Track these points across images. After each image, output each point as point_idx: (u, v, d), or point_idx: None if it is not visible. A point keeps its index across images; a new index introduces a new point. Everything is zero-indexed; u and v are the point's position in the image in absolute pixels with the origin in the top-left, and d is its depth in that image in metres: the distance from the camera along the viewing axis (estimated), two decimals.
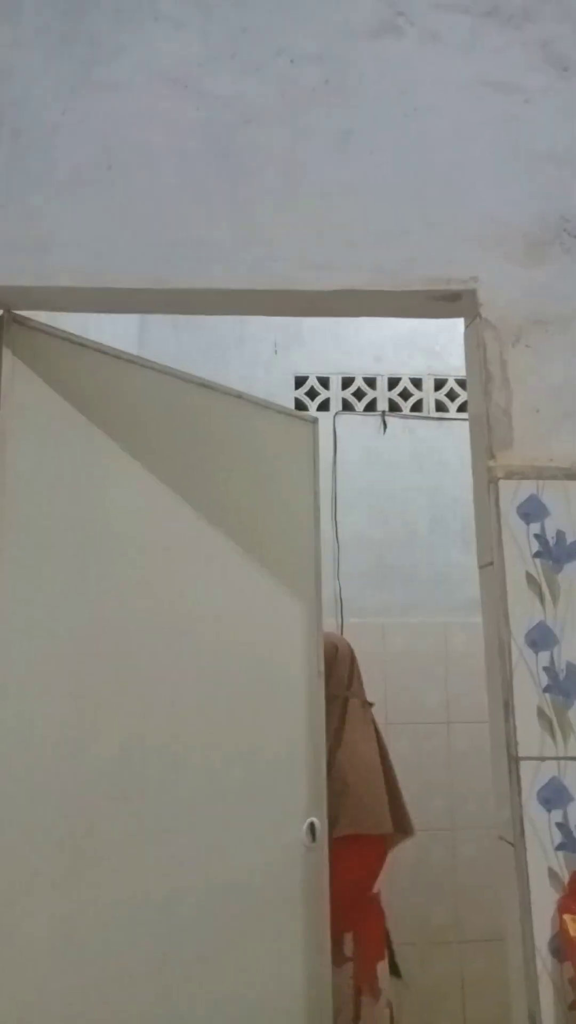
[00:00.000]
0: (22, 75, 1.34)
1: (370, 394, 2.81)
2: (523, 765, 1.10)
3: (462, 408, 2.76)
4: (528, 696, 1.12)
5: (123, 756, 1.39)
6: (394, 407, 2.80)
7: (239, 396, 1.77)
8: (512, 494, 1.19)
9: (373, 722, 2.13)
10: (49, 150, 1.31)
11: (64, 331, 1.44)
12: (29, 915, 1.23)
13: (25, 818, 1.24)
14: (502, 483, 1.19)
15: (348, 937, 1.91)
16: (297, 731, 1.72)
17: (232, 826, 1.54)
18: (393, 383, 2.82)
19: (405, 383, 2.82)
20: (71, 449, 1.41)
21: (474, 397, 1.30)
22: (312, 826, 1.67)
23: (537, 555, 1.17)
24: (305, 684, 1.77)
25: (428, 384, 2.83)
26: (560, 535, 1.18)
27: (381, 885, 2.02)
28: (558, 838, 1.07)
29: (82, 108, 1.33)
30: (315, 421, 1.98)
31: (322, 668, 1.81)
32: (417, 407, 2.81)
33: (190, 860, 1.46)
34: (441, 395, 2.82)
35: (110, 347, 1.53)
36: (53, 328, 1.42)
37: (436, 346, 2.84)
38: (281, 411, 1.93)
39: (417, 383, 2.83)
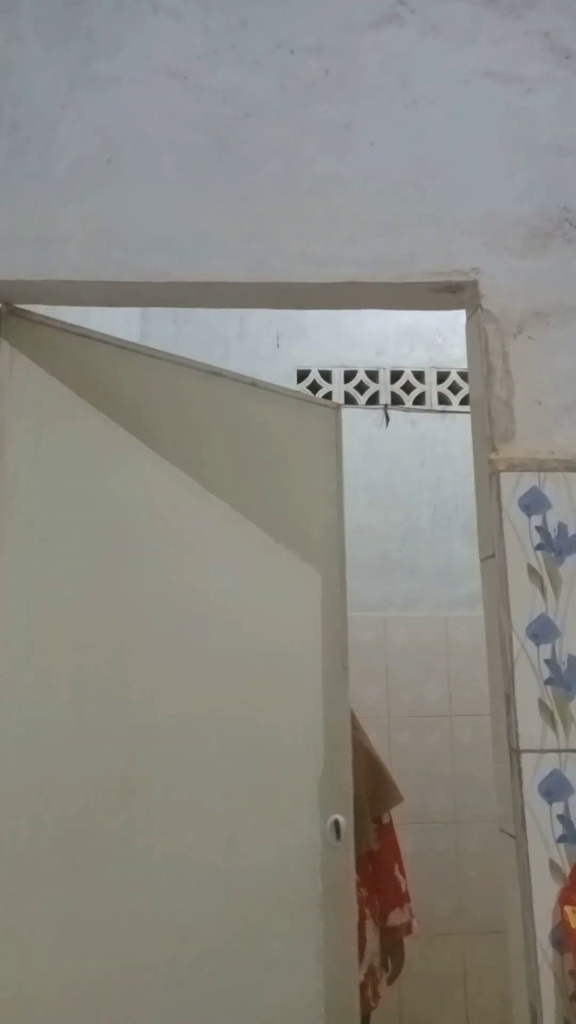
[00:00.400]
0: (21, 69, 1.33)
1: (372, 387, 2.80)
2: (524, 757, 1.10)
3: (465, 401, 2.76)
4: (529, 688, 1.12)
5: (128, 748, 1.38)
6: (396, 400, 2.79)
7: (253, 384, 1.74)
8: (513, 487, 1.18)
9: None
10: (48, 144, 1.31)
11: (64, 323, 1.44)
12: (30, 909, 1.23)
13: (25, 810, 1.24)
14: (503, 475, 1.19)
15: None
16: (318, 726, 1.67)
17: (245, 822, 1.51)
18: (395, 376, 2.82)
19: (407, 376, 2.82)
20: (74, 440, 1.41)
21: (475, 389, 1.30)
22: (336, 824, 1.61)
23: (539, 547, 1.17)
24: (325, 677, 1.70)
25: (431, 377, 2.82)
26: (561, 527, 1.17)
27: None
28: (559, 830, 1.08)
29: (81, 102, 1.33)
30: (338, 408, 1.92)
31: (347, 663, 1.76)
32: (420, 400, 2.80)
33: (200, 856, 1.43)
34: (444, 388, 2.82)
35: (113, 337, 1.52)
36: (53, 320, 1.42)
37: (438, 339, 2.83)
38: (301, 398, 1.89)
39: (419, 376, 2.82)
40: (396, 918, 1.93)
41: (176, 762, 1.44)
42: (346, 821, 1.63)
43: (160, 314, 2.73)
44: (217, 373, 1.68)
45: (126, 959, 1.33)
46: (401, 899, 1.96)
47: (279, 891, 1.54)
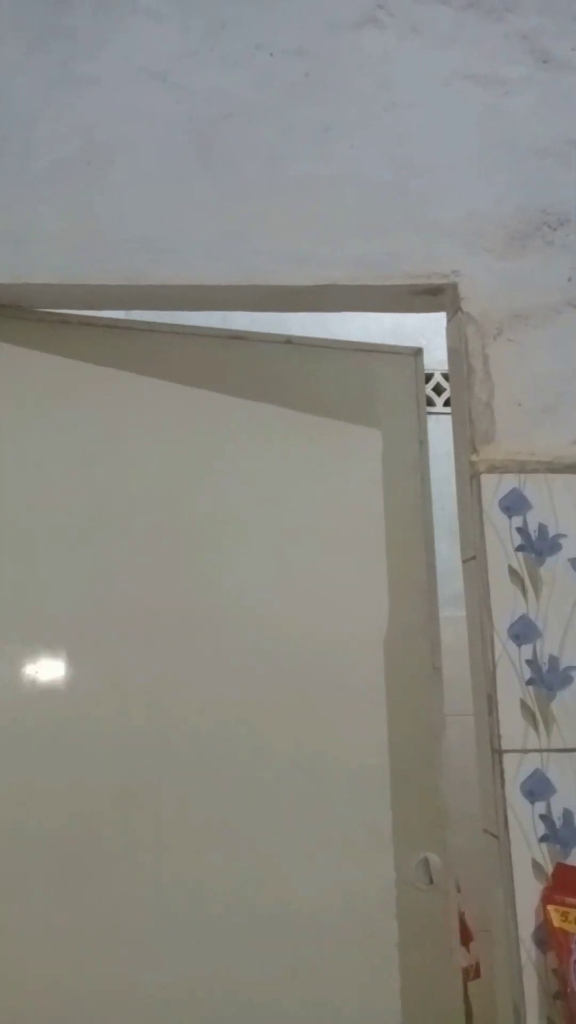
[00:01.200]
0: (0, 68, 1.33)
1: None
2: (506, 758, 1.10)
3: (448, 403, 2.76)
4: (511, 689, 1.12)
5: (127, 756, 1.28)
6: None
7: (287, 341, 1.53)
8: (494, 488, 1.19)
9: None
10: (28, 144, 1.30)
11: (44, 311, 1.38)
12: (12, 923, 1.18)
13: (11, 815, 1.21)
14: (484, 477, 1.19)
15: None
16: (396, 742, 1.38)
17: (289, 848, 1.30)
18: None
19: None
20: (64, 431, 1.36)
21: (456, 391, 1.30)
22: (426, 864, 1.32)
23: (520, 549, 1.17)
24: (405, 680, 1.42)
25: None
26: (542, 528, 1.18)
27: None
28: (541, 830, 1.08)
29: (61, 102, 1.32)
30: (417, 353, 1.58)
31: (440, 663, 1.47)
32: None
33: (226, 883, 1.27)
34: (428, 389, 2.82)
35: (99, 317, 1.43)
36: (33, 312, 1.38)
37: (422, 340, 2.82)
38: (359, 348, 1.58)
39: None
40: (462, 959, 1.62)
41: (193, 775, 1.29)
42: (440, 861, 1.33)
43: (141, 315, 2.71)
44: (239, 336, 1.50)
45: (126, 984, 1.21)
46: (467, 936, 1.71)
47: (337, 934, 1.30)
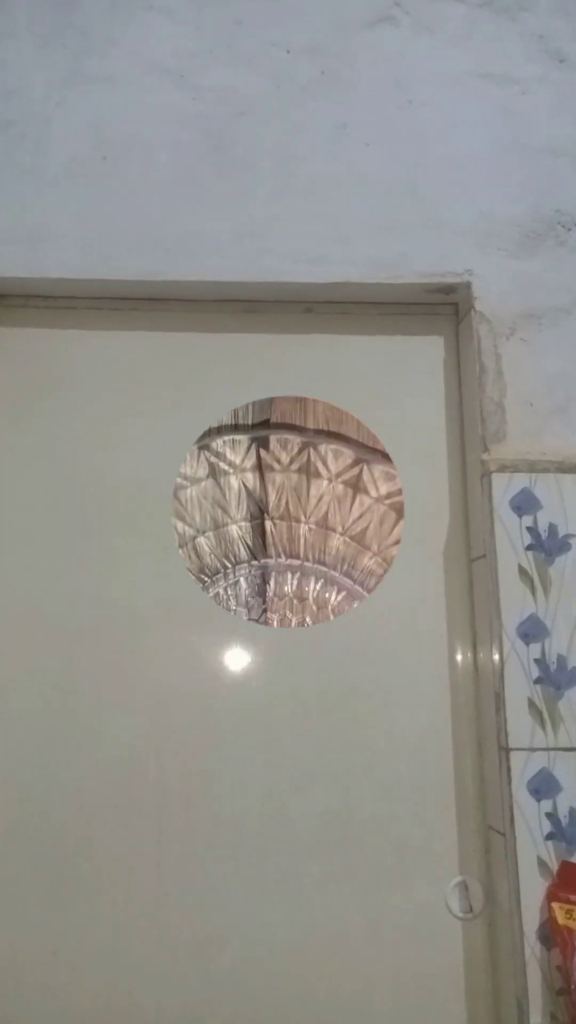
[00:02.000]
0: (14, 67, 1.33)
1: None
2: (513, 756, 1.11)
3: None
4: (519, 688, 1.13)
5: (132, 760, 1.21)
6: None
7: (309, 310, 1.37)
8: (505, 487, 1.19)
9: None
10: (42, 142, 1.31)
11: (48, 298, 1.35)
12: (8, 930, 1.16)
13: (5, 820, 1.19)
14: (495, 476, 1.20)
15: None
16: (433, 748, 1.23)
17: (309, 869, 1.18)
18: None
19: None
20: (62, 420, 1.33)
21: (468, 390, 1.30)
22: (465, 888, 1.16)
23: (529, 548, 1.18)
24: (450, 677, 1.25)
25: None
26: (552, 528, 1.18)
27: None
28: (547, 828, 1.09)
29: (75, 100, 1.33)
30: (455, 315, 1.36)
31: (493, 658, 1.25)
32: None
33: (241, 901, 1.17)
34: None
35: (106, 300, 1.36)
36: (42, 299, 1.36)
37: None
38: (388, 313, 1.36)
39: None
40: None
41: (198, 782, 1.21)
42: (480, 888, 1.16)
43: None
44: (252, 310, 1.37)
45: (122, 1003, 1.14)
46: None
47: (383, 972, 1.16)
